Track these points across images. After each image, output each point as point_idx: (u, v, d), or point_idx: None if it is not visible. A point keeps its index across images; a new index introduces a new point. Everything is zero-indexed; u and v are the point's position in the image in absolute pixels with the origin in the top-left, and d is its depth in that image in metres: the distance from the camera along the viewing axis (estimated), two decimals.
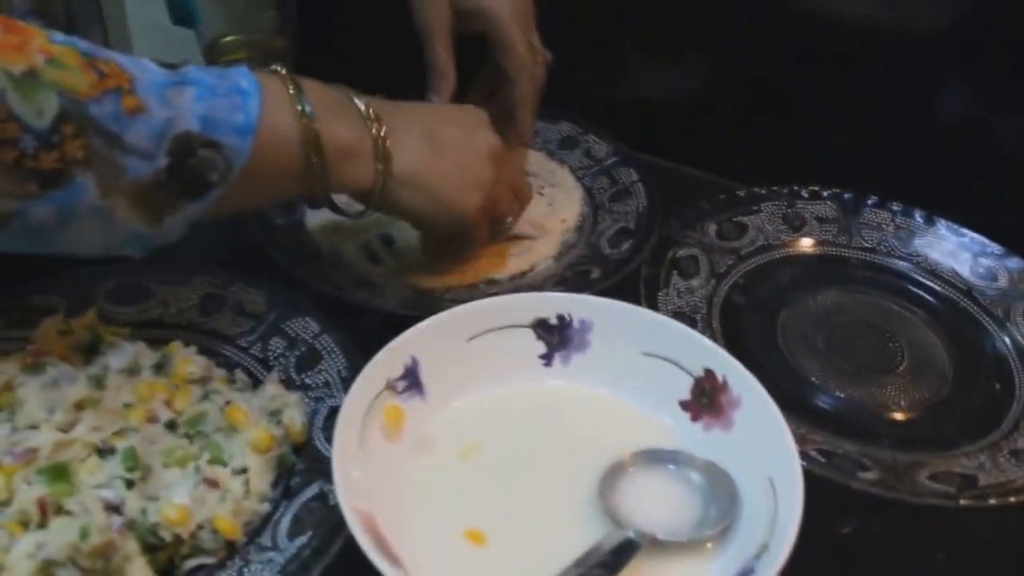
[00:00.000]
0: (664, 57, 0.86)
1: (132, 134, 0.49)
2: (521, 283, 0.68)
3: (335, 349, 0.60)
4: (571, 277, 0.67)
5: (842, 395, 0.64)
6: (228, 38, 0.80)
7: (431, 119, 0.61)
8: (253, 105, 0.52)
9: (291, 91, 0.55)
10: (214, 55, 0.79)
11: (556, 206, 0.76)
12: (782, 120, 0.82)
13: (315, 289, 0.64)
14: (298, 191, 0.57)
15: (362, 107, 0.57)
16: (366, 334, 0.62)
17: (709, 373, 0.55)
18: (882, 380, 0.65)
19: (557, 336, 0.58)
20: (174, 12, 0.75)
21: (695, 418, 0.55)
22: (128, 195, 0.50)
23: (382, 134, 0.57)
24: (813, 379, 0.64)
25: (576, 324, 0.58)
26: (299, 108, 0.54)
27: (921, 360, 0.67)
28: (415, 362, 0.55)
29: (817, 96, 0.81)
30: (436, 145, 0.60)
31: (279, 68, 0.56)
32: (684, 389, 0.56)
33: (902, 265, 0.73)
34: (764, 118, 0.83)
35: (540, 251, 0.71)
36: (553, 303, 0.58)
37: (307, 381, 0.59)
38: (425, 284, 0.67)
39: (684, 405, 0.56)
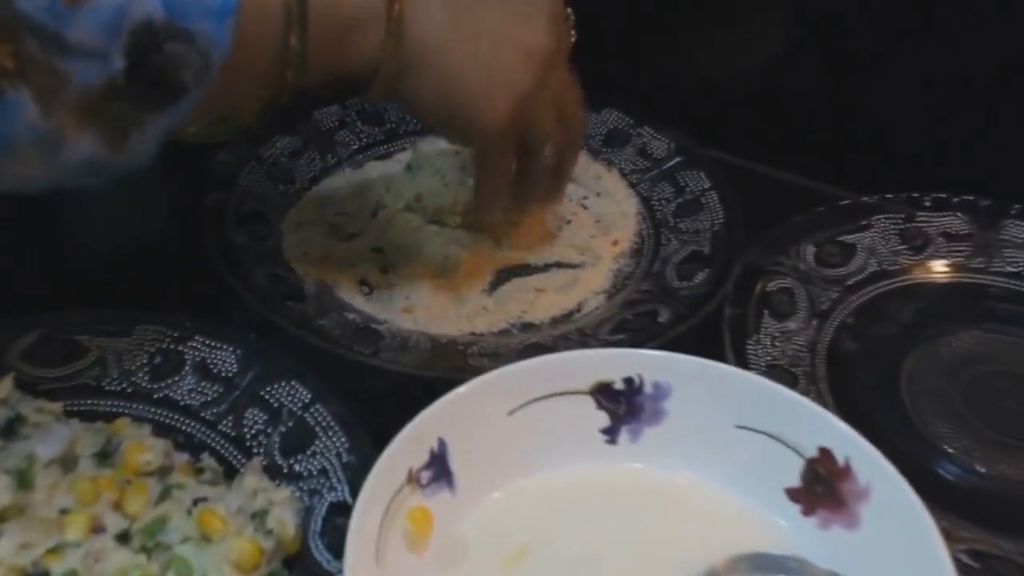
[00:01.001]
0: (737, 24, 0.85)
1: (75, 29, 0.46)
2: (567, 328, 0.67)
3: (331, 424, 0.59)
4: (632, 320, 0.67)
5: (989, 471, 0.62)
6: None
7: None
8: None
9: None
10: None
11: (606, 223, 0.75)
12: (894, 105, 0.82)
13: (301, 341, 0.63)
14: (279, 86, 0.54)
15: None
16: (370, 401, 0.62)
17: (825, 453, 0.54)
18: None
19: (624, 405, 0.57)
20: None
21: (808, 512, 0.54)
22: (77, 110, 0.47)
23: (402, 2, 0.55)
24: (949, 449, 0.63)
25: (648, 389, 0.57)
26: None
27: None
28: (443, 445, 0.54)
29: (940, 72, 0.80)
30: (467, 24, 0.58)
31: None
32: (792, 474, 0.55)
33: None
34: (870, 103, 0.82)
35: (588, 283, 0.71)
36: (617, 362, 0.57)
37: (297, 468, 0.58)
38: (443, 332, 0.66)
39: (793, 494, 0.55)
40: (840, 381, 0.66)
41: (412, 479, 0.52)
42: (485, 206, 0.68)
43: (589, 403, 0.57)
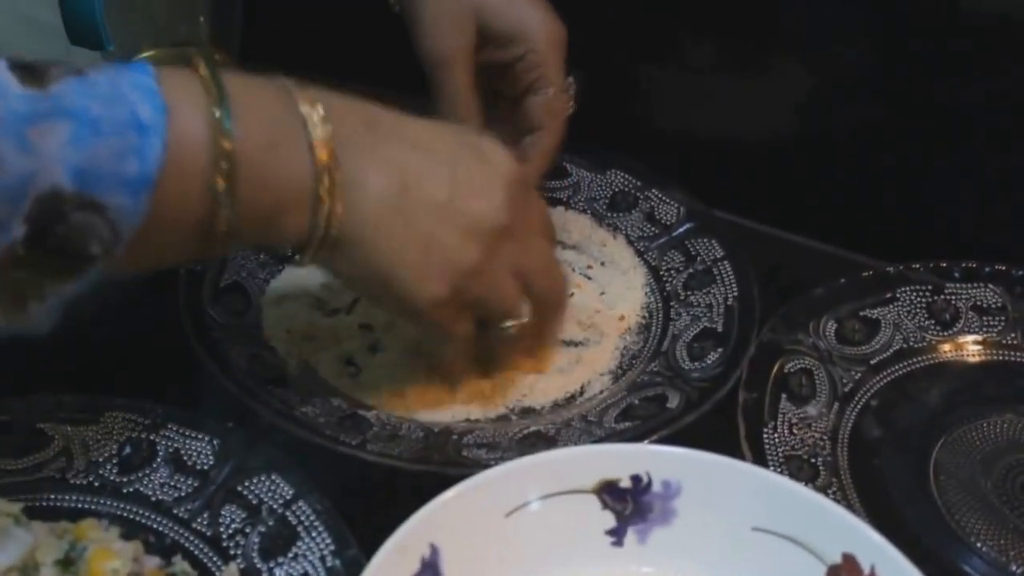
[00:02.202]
0: (754, 80, 0.85)
1: None
2: (569, 414, 0.67)
3: (315, 523, 0.58)
4: (639, 406, 0.66)
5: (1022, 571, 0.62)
6: (148, 53, 0.79)
7: (416, 161, 0.59)
8: (154, 148, 0.49)
9: (214, 112, 0.52)
10: None
11: (612, 295, 0.75)
12: (921, 167, 0.82)
13: (283, 430, 0.62)
14: (204, 250, 0.55)
15: (318, 134, 0.55)
16: (357, 497, 0.61)
17: (849, 560, 0.54)
18: None
19: (631, 504, 0.57)
20: (72, 29, 0.73)
21: None
22: None
23: (335, 178, 0.55)
24: (982, 547, 0.63)
25: (657, 487, 0.57)
26: (223, 144, 0.52)
27: None
28: (435, 552, 0.53)
29: (970, 131, 0.80)
30: (405, 201, 0.58)
31: (204, 69, 0.53)
32: None
33: None
34: (896, 164, 0.82)
35: (592, 364, 0.70)
36: (624, 458, 0.57)
37: (278, 573, 0.57)
38: (436, 419, 0.66)
39: None
40: (864, 472, 0.65)
41: None
42: (445, 374, 0.68)
43: (593, 503, 0.57)
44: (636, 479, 0.57)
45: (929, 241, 0.77)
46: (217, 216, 0.52)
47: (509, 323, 0.65)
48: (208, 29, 0.81)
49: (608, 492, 0.57)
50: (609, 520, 0.57)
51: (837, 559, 0.54)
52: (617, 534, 0.57)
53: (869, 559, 0.53)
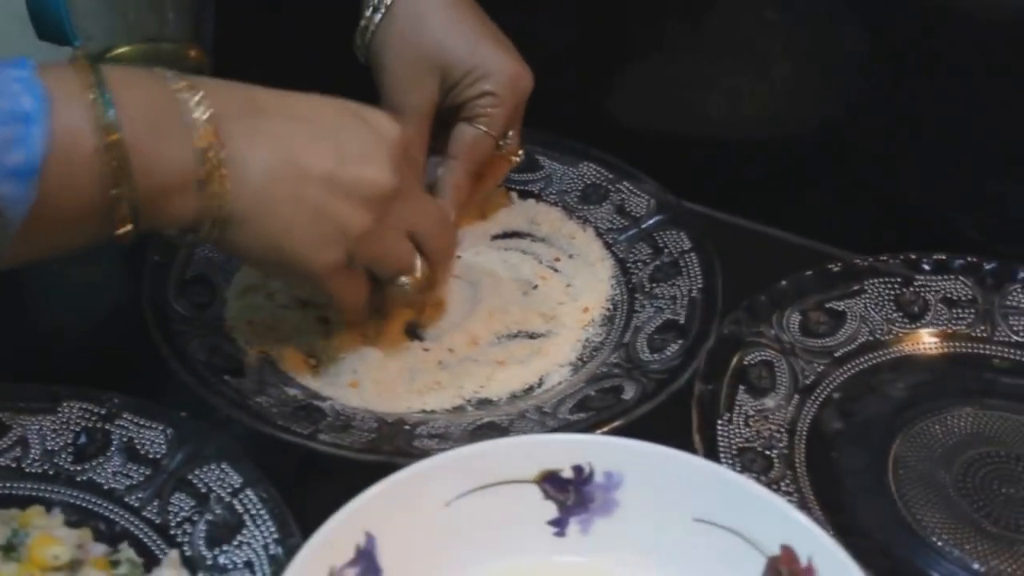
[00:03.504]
0: (728, 73, 0.85)
1: None
2: (525, 404, 0.67)
3: (261, 512, 0.59)
4: (595, 397, 0.66)
5: (982, 568, 0.61)
6: (121, 50, 0.80)
7: (300, 133, 0.60)
8: (37, 136, 0.51)
9: (93, 99, 0.53)
10: None
11: (577, 288, 0.75)
12: (893, 159, 0.81)
13: (236, 420, 0.63)
14: (99, 234, 0.56)
15: (198, 116, 0.56)
16: (307, 486, 0.62)
17: (788, 552, 0.53)
18: None
19: (573, 495, 0.57)
20: (39, 24, 0.74)
21: None
22: None
23: (220, 156, 0.57)
24: (939, 543, 0.62)
25: (599, 478, 0.57)
26: (104, 128, 0.53)
27: None
28: (371, 540, 0.54)
29: (942, 124, 0.79)
30: (292, 173, 0.59)
31: (83, 59, 0.55)
32: (754, 572, 0.54)
33: None
34: (867, 156, 0.82)
35: (552, 355, 0.70)
36: (566, 448, 0.57)
37: (222, 560, 0.58)
38: (391, 409, 0.66)
39: None
40: (821, 465, 0.65)
41: None
42: (348, 322, 0.70)
43: (535, 493, 0.57)
44: (578, 469, 0.57)
45: (902, 233, 0.77)
46: (105, 201, 0.54)
47: (404, 280, 0.66)
48: (180, 25, 0.82)
49: (550, 482, 0.57)
50: (551, 510, 0.57)
51: (776, 550, 0.54)
52: (559, 524, 0.57)
53: (807, 550, 0.53)
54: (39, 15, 0.74)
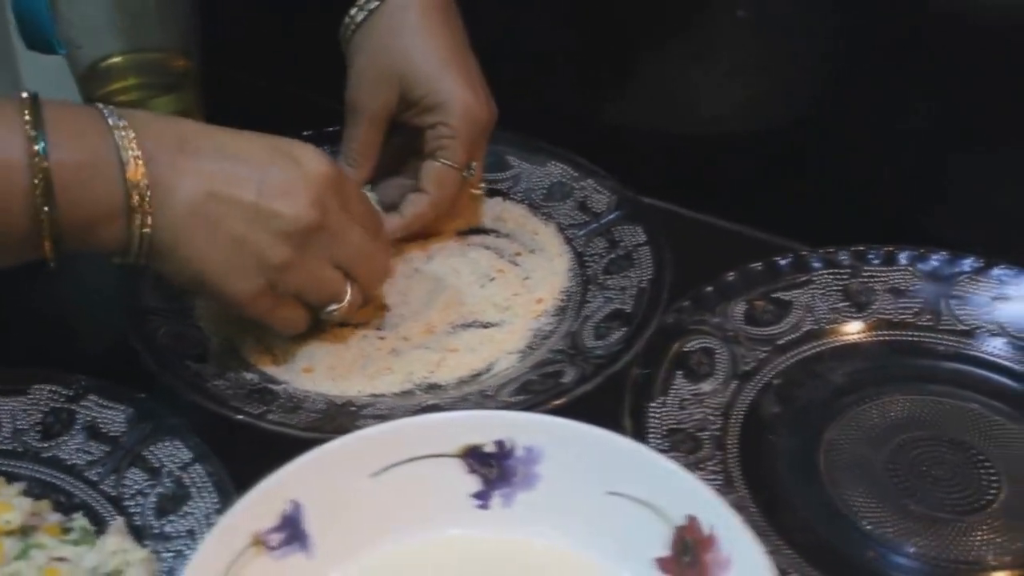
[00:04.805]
0: (687, 73, 0.88)
1: None
2: (471, 389, 0.70)
3: (207, 484, 0.62)
4: (536, 382, 0.69)
5: (910, 548, 0.63)
6: (114, 59, 0.85)
7: (225, 169, 0.64)
8: None
9: (29, 134, 0.59)
10: (95, 82, 0.84)
11: (534, 280, 0.78)
12: (847, 154, 0.83)
13: (193, 401, 0.67)
14: (27, 256, 0.62)
15: (130, 153, 0.61)
16: (254, 463, 0.65)
17: (693, 522, 0.56)
18: (966, 524, 0.64)
19: (496, 469, 0.59)
20: (26, 34, 0.79)
21: None
22: None
23: (147, 192, 0.61)
24: (867, 525, 0.64)
25: (520, 452, 0.59)
26: (37, 162, 0.58)
27: None
28: (297, 508, 0.57)
29: (893, 120, 0.81)
30: (213, 206, 0.63)
31: (25, 96, 0.60)
32: (662, 542, 0.56)
33: (1011, 355, 0.73)
34: (823, 151, 0.84)
35: (502, 343, 0.73)
36: (488, 424, 0.59)
37: (167, 529, 0.61)
38: (342, 393, 0.70)
39: (662, 564, 0.56)
40: (754, 447, 0.68)
41: (258, 541, 0.55)
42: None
43: (459, 467, 0.59)
44: (500, 444, 0.59)
45: (854, 227, 0.78)
46: (37, 230, 0.60)
47: (333, 307, 0.70)
48: (167, 35, 0.86)
49: (473, 457, 0.59)
50: (475, 484, 0.59)
51: (683, 521, 0.56)
52: (483, 497, 0.59)
53: (709, 521, 0.55)
54: (25, 26, 0.79)
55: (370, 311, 0.74)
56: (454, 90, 0.76)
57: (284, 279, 0.66)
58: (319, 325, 0.72)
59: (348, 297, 0.70)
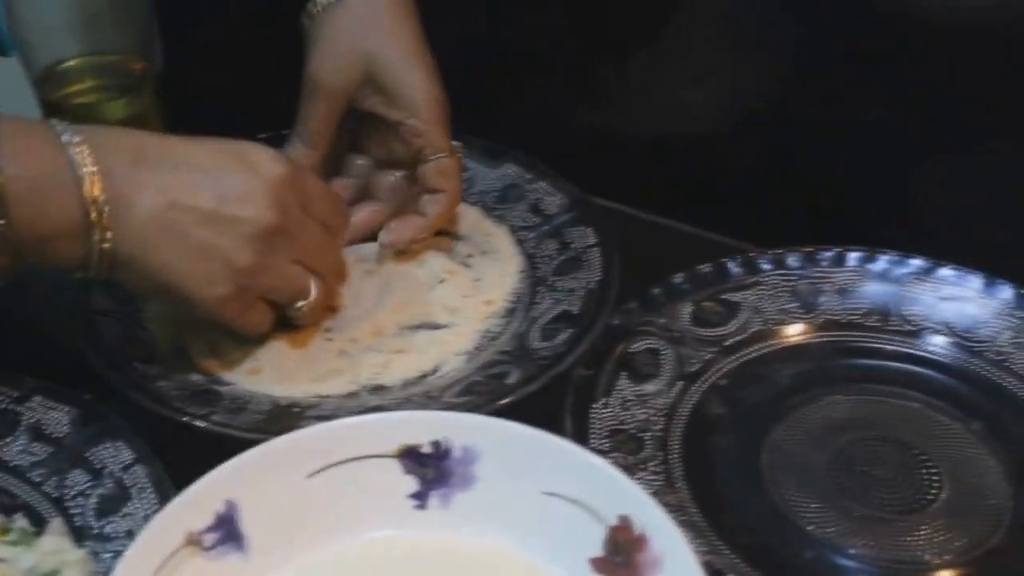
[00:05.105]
0: (644, 77, 0.88)
1: None
2: (416, 391, 0.70)
3: (147, 485, 0.63)
4: (481, 383, 0.69)
5: (851, 549, 0.63)
6: (71, 62, 0.85)
7: (182, 178, 0.65)
8: None
9: None
10: (51, 85, 0.84)
11: (485, 282, 0.78)
12: (802, 156, 0.83)
13: (138, 403, 0.67)
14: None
15: (86, 168, 0.61)
16: (196, 464, 0.65)
17: (624, 522, 0.56)
18: (908, 523, 0.65)
19: (432, 469, 0.60)
20: None
21: None
22: None
23: (105, 206, 0.62)
24: (808, 526, 0.65)
25: (457, 453, 0.60)
26: None
27: (967, 492, 0.66)
28: (232, 508, 0.57)
29: (848, 121, 0.81)
30: (174, 215, 0.64)
31: None
32: (597, 543, 0.56)
33: (956, 355, 0.73)
34: (776, 155, 0.84)
35: (450, 345, 0.74)
36: (425, 425, 0.60)
37: (107, 530, 0.62)
38: (288, 394, 0.70)
39: (597, 564, 0.57)
40: (697, 448, 0.68)
41: (192, 541, 0.56)
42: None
43: (396, 467, 0.60)
44: (436, 445, 0.59)
45: (805, 228, 0.79)
46: None
47: (300, 303, 0.71)
48: (124, 38, 0.87)
49: (410, 457, 0.60)
50: (412, 484, 0.60)
51: (615, 521, 0.56)
52: (421, 498, 0.60)
53: (641, 520, 0.55)
54: None
55: (320, 312, 0.75)
56: (423, 82, 0.77)
57: (252, 282, 0.67)
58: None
59: (314, 292, 0.71)
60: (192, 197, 0.65)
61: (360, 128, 0.81)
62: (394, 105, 0.77)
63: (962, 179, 0.79)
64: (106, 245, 0.63)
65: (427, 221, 0.79)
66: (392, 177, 0.80)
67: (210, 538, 0.56)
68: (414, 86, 0.76)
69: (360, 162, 0.82)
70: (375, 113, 0.78)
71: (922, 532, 0.64)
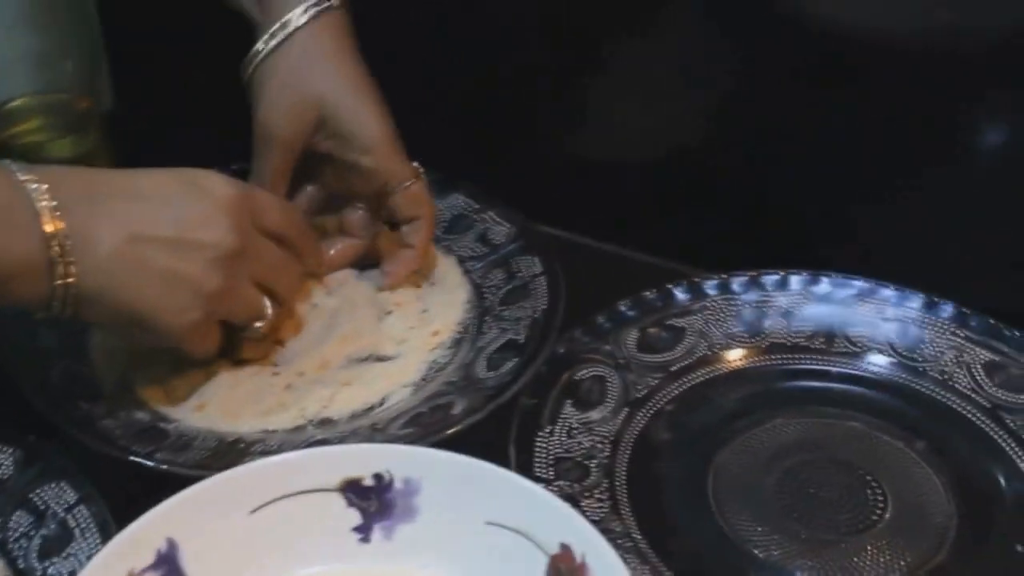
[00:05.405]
0: (594, 102, 0.89)
1: None
2: (362, 423, 0.70)
3: (90, 526, 0.63)
4: (426, 414, 0.70)
5: (796, 572, 0.64)
6: (16, 102, 0.86)
7: (140, 209, 0.65)
8: None
9: None
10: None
11: (432, 312, 0.78)
12: (745, 183, 0.84)
13: (81, 442, 0.67)
14: None
15: (43, 204, 0.61)
16: (144, 504, 0.65)
17: (566, 550, 0.56)
18: (853, 544, 0.65)
19: (375, 502, 0.60)
20: None
21: None
22: None
23: (65, 242, 0.62)
24: (754, 550, 0.65)
25: (399, 484, 0.60)
26: None
27: (911, 511, 0.67)
28: (173, 546, 0.57)
29: (798, 146, 0.82)
30: (137, 247, 0.64)
31: None
32: (538, 571, 0.57)
33: (899, 375, 0.74)
34: (721, 180, 0.85)
35: (397, 376, 0.74)
36: (365, 457, 0.60)
37: (51, 571, 0.61)
38: (234, 429, 0.70)
39: None
40: (643, 474, 0.68)
41: None
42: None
43: (339, 501, 0.60)
44: (378, 477, 0.60)
45: (751, 252, 0.80)
46: None
47: (257, 324, 0.71)
48: (72, 77, 0.87)
49: (352, 490, 0.60)
50: (355, 517, 0.60)
51: (556, 549, 0.56)
52: (363, 531, 0.60)
53: (581, 549, 0.56)
54: None
55: (290, 325, 0.75)
56: (375, 118, 0.77)
57: (218, 306, 0.68)
58: (213, 362, 0.73)
59: (270, 311, 0.71)
60: (152, 227, 0.65)
61: (314, 166, 0.81)
62: (349, 146, 0.77)
63: (902, 200, 0.80)
64: (70, 280, 0.62)
65: (415, 251, 0.79)
66: (360, 211, 0.80)
67: None
68: (366, 124, 0.76)
69: (310, 189, 0.82)
70: (331, 155, 0.78)
71: (867, 552, 0.65)
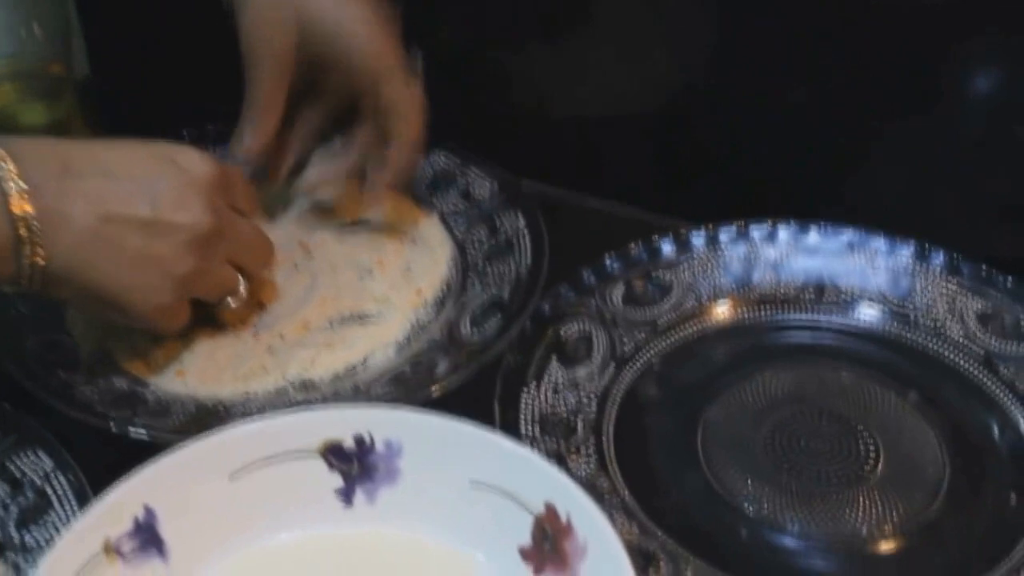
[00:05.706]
0: (577, 57, 0.87)
1: None
2: (344, 385, 0.69)
3: (68, 494, 0.62)
4: (408, 373, 0.69)
5: (787, 525, 0.63)
6: None
7: (114, 188, 0.63)
8: None
9: None
10: None
11: (415, 271, 0.77)
12: (734, 131, 0.83)
13: (59, 410, 0.66)
14: None
15: (12, 185, 0.60)
16: (123, 471, 0.65)
17: (550, 510, 0.56)
18: (845, 496, 0.64)
19: (356, 465, 0.60)
20: None
21: (538, 571, 0.56)
22: None
23: (34, 222, 0.60)
24: (744, 504, 0.64)
25: (380, 447, 0.59)
26: None
27: (904, 462, 0.66)
28: (150, 513, 0.56)
29: (782, 97, 0.81)
30: (110, 228, 0.63)
31: None
32: (524, 532, 0.56)
33: (891, 326, 0.73)
34: (706, 131, 0.84)
35: (379, 336, 0.73)
36: (345, 420, 0.60)
37: (28, 540, 0.61)
38: (213, 394, 0.69)
39: (525, 553, 0.57)
40: (631, 430, 0.68)
41: (110, 549, 0.55)
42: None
43: (320, 464, 0.60)
44: (359, 440, 0.59)
45: (737, 203, 0.78)
46: None
47: (229, 300, 0.71)
48: (43, 41, 0.86)
49: (333, 453, 0.59)
50: (337, 481, 0.60)
51: (541, 509, 0.56)
52: (346, 494, 0.60)
53: (565, 508, 0.55)
54: None
55: (267, 291, 0.74)
56: (358, 40, 0.74)
57: (190, 287, 0.67)
58: (192, 328, 0.72)
59: (242, 287, 0.71)
60: (126, 207, 0.63)
61: (313, 97, 0.78)
62: (336, 44, 0.73)
63: (890, 150, 0.79)
64: (39, 260, 0.61)
65: (399, 149, 0.75)
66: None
67: (129, 544, 0.56)
68: (346, 6, 0.73)
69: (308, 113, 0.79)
70: (322, 63, 0.75)
71: (859, 504, 0.64)
